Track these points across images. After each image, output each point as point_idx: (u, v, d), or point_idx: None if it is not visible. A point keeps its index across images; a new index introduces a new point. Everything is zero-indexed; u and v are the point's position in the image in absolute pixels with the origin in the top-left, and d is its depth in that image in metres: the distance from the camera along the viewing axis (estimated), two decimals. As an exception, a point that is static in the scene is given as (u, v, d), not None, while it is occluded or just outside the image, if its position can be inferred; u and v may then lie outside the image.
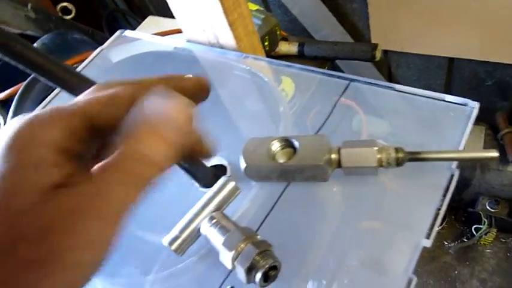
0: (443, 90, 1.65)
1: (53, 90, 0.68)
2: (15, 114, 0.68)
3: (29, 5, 1.18)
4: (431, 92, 0.45)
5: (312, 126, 0.49)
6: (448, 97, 0.45)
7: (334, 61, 1.23)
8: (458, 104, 0.44)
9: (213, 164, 0.50)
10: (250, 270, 0.36)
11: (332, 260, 0.39)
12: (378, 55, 1.07)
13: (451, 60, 1.52)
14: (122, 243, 0.49)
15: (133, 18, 1.70)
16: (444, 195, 0.38)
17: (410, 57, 1.58)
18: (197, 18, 0.61)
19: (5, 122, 0.72)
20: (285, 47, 1.08)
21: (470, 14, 1.31)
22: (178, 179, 0.50)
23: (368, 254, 0.39)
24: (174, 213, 0.44)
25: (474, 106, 0.43)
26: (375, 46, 1.06)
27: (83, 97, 0.26)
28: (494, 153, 0.37)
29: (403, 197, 0.41)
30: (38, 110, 0.25)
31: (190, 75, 0.32)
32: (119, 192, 0.23)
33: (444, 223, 1.66)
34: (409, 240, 0.37)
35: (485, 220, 1.48)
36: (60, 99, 0.67)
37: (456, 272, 1.58)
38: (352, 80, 0.50)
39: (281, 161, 0.43)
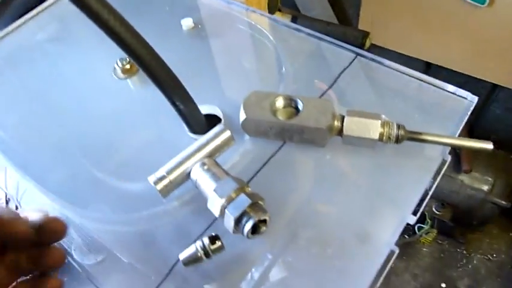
0: (415, 93, 1.70)
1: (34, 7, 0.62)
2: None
3: None
4: (435, 79, 0.46)
5: (313, 92, 0.48)
6: (450, 87, 0.46)
7: (323, 41, 1.23)
8: (458, 95, 0.45)
9: (207, 112, 0.48)
10: (239, 220, 0.35)
11: (316, 224, 0.39)
12: (368, 43, 1.07)
13: (428, 65, 1.57)
14: (97, 178, 0.47)
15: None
16: (434, 178, 0.40)
17: (390, 54, 1.61)
18: (208, -39, 0.58)
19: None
20: (278, 16, 1.06)
21: (457, 25, 1.35)
22: (165, 121, 0.49)
23: (354, 222, 0.39)
24: (159, 156, 0.42)
25: (473, 100, 0.45)
26: (367, 34, 1.07)
27: None
28: (489, 145, 0.39)
29: (395, 174, 0.42)
30: None
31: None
32: None
33: (390, 218, 1.74)
34: (395, 215, 0.38)
35: (429, 221, 1.56)
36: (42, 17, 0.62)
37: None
38: (358, 54, 0.50)
39: (281, 118, 0.42)
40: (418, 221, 1.67)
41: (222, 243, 0.36)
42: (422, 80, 0.47)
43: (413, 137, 0.40)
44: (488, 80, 1.46)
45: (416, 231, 1.59)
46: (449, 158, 0.41)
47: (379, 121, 0.40)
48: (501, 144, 1.63)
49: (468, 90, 1.51)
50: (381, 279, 0.35)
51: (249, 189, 0.37)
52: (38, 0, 0.66)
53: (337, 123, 0.41)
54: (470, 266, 1.64)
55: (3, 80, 0.56)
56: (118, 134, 0.50)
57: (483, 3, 1.24)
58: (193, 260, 0.36)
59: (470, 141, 0.39)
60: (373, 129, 0.39)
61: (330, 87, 0.47)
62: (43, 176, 0.45)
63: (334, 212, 0.40)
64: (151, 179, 0.39)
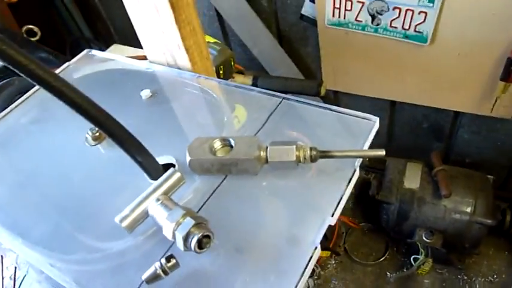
0: (387, 131, 1.80)
1: (19, 97, 0.74)
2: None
3: (-6, 24, 1.24)
4: (344, 109, 0.56)
5: (250, 133, 0.58)
6: (355, 112, 0.56)
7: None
8: (364, 118, 0.55)
9: (164, 162, 0.57)
10: (187, 238, 0.43)
11: (255, 236, 0.47)
12: (323, 91, 1.19)
13: (393, 103, 1.69)
14: (75, 233, 0.55)
15: (97, 46, 1.78)
16: (347, 186, 0.48)
17: (358, 99, 1.74)
18: (158, 43, 0.70)
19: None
20: (240, 79, 1.19)
21: (408, 64, 1.48)
22: (130, 175, 0.58)
23: (285, 230, 0.47)
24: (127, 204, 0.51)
25: (375, 121, 0.55)
26: (320, 83, 1.19)
27: None
28: (382, 152, 0.48)
29: (316, 187, 0.50)
30: None
31: None
32: None
33: (387, 255, 1.76)
34: (318, 219, 0.46)
35: (422, 250, 1.59)
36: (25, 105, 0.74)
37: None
38: (284, 98, 0.60)
39: (220, 156, 0.52)
40: (413, 253, 1.68)
41: (176, 261, 0.44)
42: (335, 111, 0.57)
43: (324, 154, 0.49)
44: (449, 109, 1.56)
45: (413, 263, 1.61)
46: (358, 169, 0.50)
47: (294, 146, 0.49)
48: (476, 165, 1.71)
49: (433, 120, 1.61)
50: (308, 271, 0.42)
51: (195, 214, 0.46)
52: (19, 93, 0.78)
53: (263, 153, 0.50)
54: (474, 291, 1.64)
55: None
56: (93, 192, 0.59)
57: (425, 42, 1.38)
58: (153, 278, 0.43)
59: (367, 151, 0.48)
60: (290, 153, 0.49)
61: (263, 125, 0.57)
62: (28, 233, 0.54)
63: (269, 225, 0.48)
64: (118, 218, 0.48)
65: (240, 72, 1.23)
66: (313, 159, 0.49)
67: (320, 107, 0.58)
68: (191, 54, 0.69)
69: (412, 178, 1.63)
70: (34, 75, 0.44)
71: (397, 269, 1.75)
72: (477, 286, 1.69)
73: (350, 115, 0.56)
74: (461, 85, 1.46)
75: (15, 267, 1.15)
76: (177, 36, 0.65)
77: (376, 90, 1.68)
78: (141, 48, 1.06)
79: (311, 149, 0.49)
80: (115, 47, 1.24)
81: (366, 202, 1.82)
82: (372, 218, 1.81)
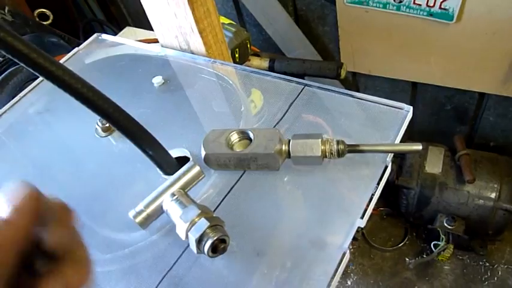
0: (407, 113, 1.74)
1: (28, 84, 0.71)
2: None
3: (6, 8, 1.21)
4: (372, 96, 0.51)
5: (269, 123, 0.54)
6: (385, 101, 0.51)
7: (303, 78, 1.30)
8: (395, 107, 0.50)
9: (177, 155, 0.54)
10: (200, 241, 0.40)
11: (277, 238, 0.44)
12: (343, 73, 1.14)
13: (414, 84, 1.62)
14: (87, 226, 0.52)
15: (110, 28, 1.74)
16: (378, 184, 0.44)
17: (377, 80, 1.68)
18: (170, 26, 0.66)
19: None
20: (256, 62, 1.14)
21: (432, 44, 1.41)
22: (142, 168, 0.55)
23: (310, 233, 0.43)
24: (139, 200, 0.48)
25: (409, 110, 0.50)
26: (341, 65, 1.14)
27: None
28: (418, 146, 0.43)
29: (344, 185, 0.46)
30: None
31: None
32: None
33: (406, 240, 1.73)
34: (346, 221, 0.42)
35: (443, 237, 1.54)
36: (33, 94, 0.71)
37: (416, 287, 1.64)
38: (306, 85, 0.56)
39: (238, 150, 0.48)
40: (433, 239, 1.65)
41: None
42: (362, 99, 0.52)
43: (353, 149, 0.44)
44: (474, 90, 1.49)
45: (433, 249, 1.57)
46: (390, 164, 0.45)
47: (320, 140, 0.45)
48: (502, 149, 1.64)
49: (457, 102, 1.54)
50: (337, 278, 0.39)
51: (211, 214, 0.42)
52: (29, 80, 0.75)
53: (285, 147, 0.46)
54: (496, 278, 1.60)
55: (3, 150, 0.64)
56: (103, 185, 0.56)
57: (451, 20, 1.30)
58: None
59: (401, 145, 0.44)
60: (315, 147, 0.44)
61: (284, 115, 0.53)
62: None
63: (292, 226, 0.44)
64: (131, 213, 0.45)
65: (256, 55, 1.18)
66: (340, 154, 0.45)
67: (345, 94, 0.53)
68: (205, 37, 0.64)
69: (434, 162, 1.58)
70: (36, 65, 0.41)
71: (416, 255, 1.72)
72: (499, 273, 1.65)
73: (379, 103, 0.51)
74: (488, 65, 1.39)
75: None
76: (191, 19, 0.61)
77: (397, 72, 1.62)
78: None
79: (338, 142, 0.45)
80: (128, 29, 1.20)
81: (384, 186, 1.77)
82: (391, 203, 1.76)
